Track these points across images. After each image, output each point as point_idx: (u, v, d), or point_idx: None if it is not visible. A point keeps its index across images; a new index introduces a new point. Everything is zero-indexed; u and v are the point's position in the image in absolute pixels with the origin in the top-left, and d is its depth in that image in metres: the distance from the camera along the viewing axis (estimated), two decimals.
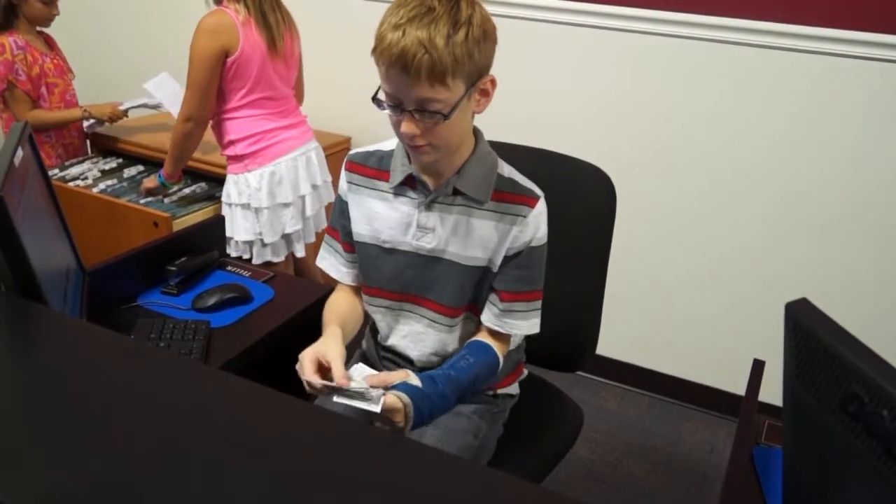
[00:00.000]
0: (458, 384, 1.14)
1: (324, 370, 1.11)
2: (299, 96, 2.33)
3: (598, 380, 2.55)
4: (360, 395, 1.04)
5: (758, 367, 1.23)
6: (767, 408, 1.22)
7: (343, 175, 1.29)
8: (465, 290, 1.23)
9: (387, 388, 1.07)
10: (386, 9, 1.07)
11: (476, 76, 1.09)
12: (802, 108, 2.03)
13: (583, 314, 1.48)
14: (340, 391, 1.05)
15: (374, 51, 1.06)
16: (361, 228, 1.27)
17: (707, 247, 2.27)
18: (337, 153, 2.59)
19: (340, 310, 1.29)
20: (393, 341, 1.31)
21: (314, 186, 2.27)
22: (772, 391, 1.22)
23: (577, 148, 1.55)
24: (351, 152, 1.29)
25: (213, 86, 2.04)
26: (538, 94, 2.33)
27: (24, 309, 0.99)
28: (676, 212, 2.28)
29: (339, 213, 1.31)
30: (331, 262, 1.34)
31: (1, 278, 1.02)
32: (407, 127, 1.08)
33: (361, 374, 1.10)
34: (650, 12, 2.11)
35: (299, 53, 2.25)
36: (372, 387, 1.06)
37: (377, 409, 1.03)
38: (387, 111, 1.10)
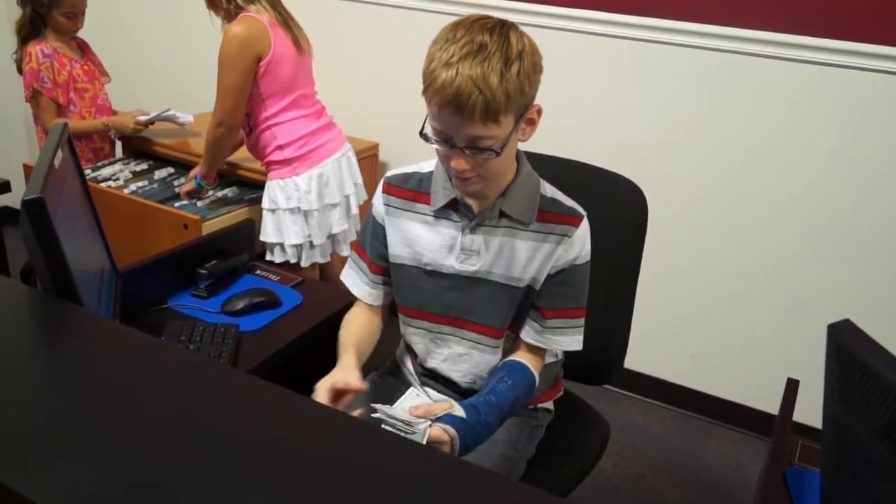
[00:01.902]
0: (499, 410, 1.13)
1: (341, 396, 1.11)
2: None
3: (623, 393, 2.53)
4: (406, 426, 1.03)
5: (792, 387, 1.20)
6: (799, 427, 1.19)
7: (380, 197, 1.26)
8: (509, 311, 1.22)
9: (432, 420, 1.06)
10: (432, 42, 1.05)
11: (524, 108, 1.08)
12: (840, 125, 2.00)
13: (613, 327, 1.46)
14: (386, 421, 1.04)
15: (426, 91, 1.04)
16: (401, 251, 1.24)
17: (737, 262, 2.24)
18: (366, 158, 2.60)
19: (358, 332, 1.28)
20: (433, 364, 1.30)
21: (355, 185, 2.30)
22: (803, 410, 1.20)
23: (607, 159, 1.53)
24: (388, 174, 1.27)
25: (245, 92, 2.06)
26: (566, 104, 2.32)
27: (61, 309, 1.01)
28: (706, 225, 2.25)
29: (371, 235, 1.28)
30: (354, 280, 1.32)
31: (39, 278, 1.04)
32: (457, 163, 1.07)
33: (410, 403, 1.10)
34: (691, 25, 2.09)
35: None
36: (417, 417, 1.05)
37: (423, 441, 1.02)
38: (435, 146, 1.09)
